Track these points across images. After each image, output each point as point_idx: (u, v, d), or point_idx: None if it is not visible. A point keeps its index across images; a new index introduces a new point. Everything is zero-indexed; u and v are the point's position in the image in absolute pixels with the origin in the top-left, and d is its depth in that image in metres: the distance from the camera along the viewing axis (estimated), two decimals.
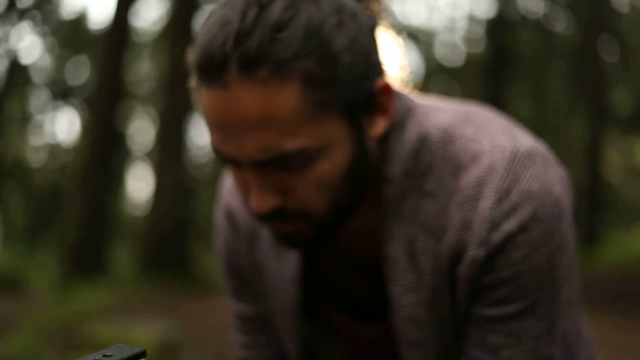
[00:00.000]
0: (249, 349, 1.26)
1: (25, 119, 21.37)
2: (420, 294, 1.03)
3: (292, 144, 0.92)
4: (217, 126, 0.94)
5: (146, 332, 5.14)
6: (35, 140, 22.39)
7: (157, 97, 16.26)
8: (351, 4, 0.97)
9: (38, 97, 21.43)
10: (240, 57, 0.89)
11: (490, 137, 1.03)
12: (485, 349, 1.02)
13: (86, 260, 11.16)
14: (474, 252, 0.98)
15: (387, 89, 0.99)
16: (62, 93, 21.00)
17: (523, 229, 0.97)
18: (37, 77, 20.77)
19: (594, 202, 16.96)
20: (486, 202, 0.98)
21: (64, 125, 37.25)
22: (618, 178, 23.36)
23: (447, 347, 1.06)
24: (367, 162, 1.00)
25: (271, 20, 0.90)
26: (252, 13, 0.90)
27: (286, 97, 0.90)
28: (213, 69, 0.90)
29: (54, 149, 22.81)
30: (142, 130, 23.11)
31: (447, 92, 20.02)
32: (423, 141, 1.04)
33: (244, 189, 0.99)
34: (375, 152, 1.02)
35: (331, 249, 1.14)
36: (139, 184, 25.60)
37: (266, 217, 0.98)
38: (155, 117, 16.69)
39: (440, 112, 1.07)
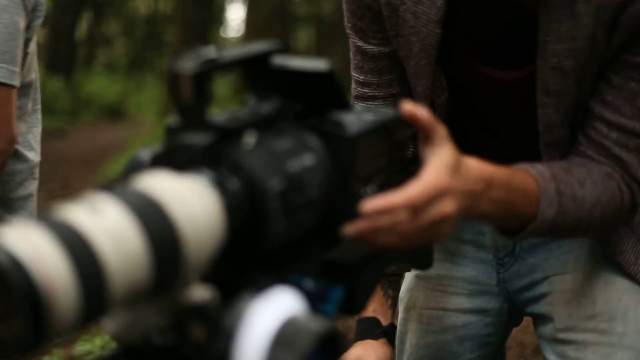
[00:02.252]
0: (370, 87, 1.25)
1: None
2: (573, 44, 1.06)
3: None
4: None
5: None
6: None
7: None
8: None
9: None
10: None
11: None
12: (622, 95, 1.06)
13: None
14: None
15: None
16: None
17: None
18: None
19: None
20: None
21: None
22: None
23: (583, 95, 1.10)
24: None
25: None
26: None
27: None
28: None
29: None
30: None
31: None
32: None
33: None
34: None
35: None
36: (237, 10, 25.52)
37: None
38: None
39: None
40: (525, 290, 1.33)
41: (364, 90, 1.25)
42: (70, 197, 0.54)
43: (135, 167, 0.61)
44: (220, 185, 0.58)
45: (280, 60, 0.70)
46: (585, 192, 1.05)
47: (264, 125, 0.66)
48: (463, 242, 1.36)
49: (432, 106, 1.23)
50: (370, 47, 1.21)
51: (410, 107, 0.79)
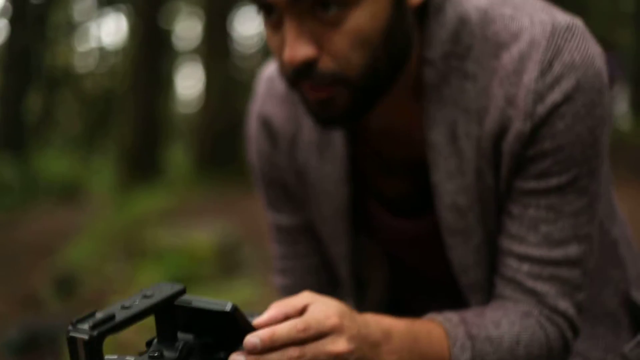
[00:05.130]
0: (288, 259, 1.27)
1: (70, 27, 21.40)
2: (462, 180, 1.04)
3: None
4: None
5: (204, 236, 5.23)
6: (83, 46, 22.47)
7: None
8: None
9: (82, 3, 21.38)
10: None
11: (529, 14, 1.03)
12: (524, 225, 1.02)
13: (142, 162, 11.35)
14: (519, 125, 0.99)
15: None
16: None
17: (567, 99, 0.97)
18: None
19: None
20: (530, 75, 0.98)
21: (110, 29, 37.27)
22: None
23: (491, 234, 1.07)
24: (406, 31, 1.00)
25: None
26: None
27: None
28: None
29: (102, 54, 22.90)
30: (188, 28, 23.03)
31: None
32: (463, 23, 1.03)
33: (279, 49, 0.99)
34: (413, 28, 1.02)
35: (372, 147, 1.13)
36: (188, 82, 25.67)
37: (298, 75, 0.98)
38: (200, 14, 16.60)
39: None
40: None
41: (283, 263, 1.27)
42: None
43: None
44: None
45: (185, 301, 0.74)
46: (502, 333, 1.00)
47: None
48: None
49: (360, 270, 1.24)
50: (282, 218, 1.25)
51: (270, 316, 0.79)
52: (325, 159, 1.15)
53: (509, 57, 1.00)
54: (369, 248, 1.23)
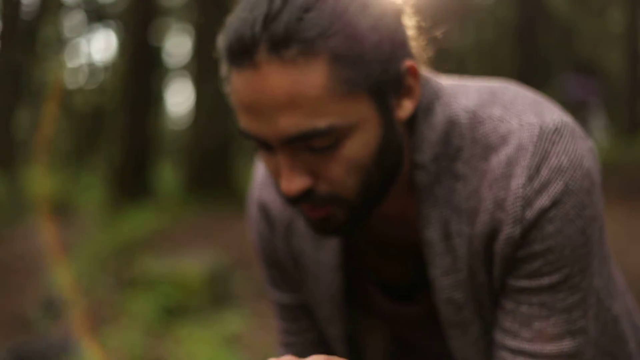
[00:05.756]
0: (290, 334, 1.30)
1: (60, 43, 21.41)
2: (456, 276, 1.05)
3: (321, 122, 0.93)
4: (247, 107, 0.96)
5: (194, 264, 5.22)
6: (73, 62, 22.46)
7: (191, 10, 16.17)
8: None
9: (72, 20, 21.40)
10: (270, 38, 0.91)
11: (518, 115, 1.03)
12: (517, 321, 1.03)
13: (131, 180, 11.32)
14: (509, 230, 1.00)
15: (414, 71, 1.01)
16: (95, 13, 20.93)
17: (556, 203, 0.98)
18: None
19: (635, 88, 16.67)
20: (518, 181, 0.99)
21: (99, 46, 37.23)
22: None
23: (489, 327, 1.09)
24: (397, 145, 1.02)
25: (298, 2, 0.93)
26: None
27: (315, 76, 0.92)
28: (243, 51, 0.93)
29: (91, 70, 22.89)
30: (178, 45, 23.06)
31: None
32: (452, 124, 1.04)
33: (275, 173, 1.01)
34: (403, 136, 1.03)
35: (368, 236, 1.15)
36: (178, 99, 25.64)
37: (296, 200, 0.99)
38: (190, 31, 16.63)
39: (467, 92, 1.08)
40: None
41: (286, 338, 1.30)
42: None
43: None
44: None
45: None
46: None
47: None
48: None
49: (358, 345, 1.28)
50: (283, 296, 1.28)
51: None
52: (320, 247, 1.17)
53: (497, 161, 1.01)
54: (368, 323, 1.26)
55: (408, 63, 1.00)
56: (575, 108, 14.05)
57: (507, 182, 1.00)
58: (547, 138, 1.00)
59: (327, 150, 0.96)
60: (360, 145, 0.97)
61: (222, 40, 0.97)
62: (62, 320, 4.92)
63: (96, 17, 21.02)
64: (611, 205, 9.09)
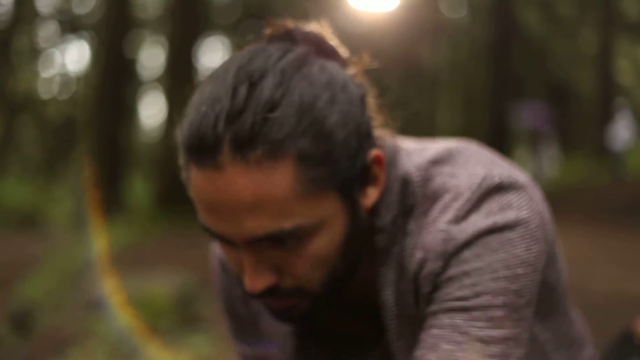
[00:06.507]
0: None
1: (34, 52, 21.28)
2: (408, 340, 1.04)
3: (288, 223, 0.90)
4: (210, 207, 0.91)
5: (163, 286, 5.21)
6: (46, 72, 22.33)
7: (165, 23, 16.15)
8: (340, 74, 0.96)
9: (46, 30, 21.29)
10: (233, 139, 0.86)
11: (468, 170, 1.01)
12: (425, 346, 0.96)
13: (103, 192, 11.26)
14: (432, 266, 0.97)
15: (379, 160, 0.98)
16: (70, 23, 20.84)
17: (479, 237, 0.95)
18: (44, 9, 20.62)
19: (606, 109, 16.84)
20: (444, 219, 0.97)
21: (73, 56, 37.05)
22: (629, 83, 23.22)
23: None
24: (361, 232, 0.99)
25: (263, 98, 0.88)
26: (242, 91, 0.88)
27: (281, 177, 0.88)
28: (205, 150, 0.88)
29: (65, 80, 22.76)
30: (151, 57, 22.99)
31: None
32: (405, 183, 1.03)
33: (238, 268, 0.98)
34: (367, 220, 1.01)
35: None
36: (152, 111, 25.57)
37: (260, 296, 0.97)
38: (164, 43, 16.60)
39: (423, 151, 1.06)
40: None
41: None
42: None
43: None
44: None
45: None
46: None
47: None
48: None
49: None
50: (245, 348, 1.25)
51: None
52: None
53: (434, 209, 0.99)
54: None
55: (373, 153, 0.97)
56: (529, 136, 14.25)
57: (435, 225, 0.98)
58: (487, 188, 0.98)
59: (292, 248, 0.93)
60: (326, 241, 0.94)
61: (180, 133, 0.93)
62: (29, 337, 4.87)
63: (70, 27, 20.92)
64: (578, 225, 9.18)
